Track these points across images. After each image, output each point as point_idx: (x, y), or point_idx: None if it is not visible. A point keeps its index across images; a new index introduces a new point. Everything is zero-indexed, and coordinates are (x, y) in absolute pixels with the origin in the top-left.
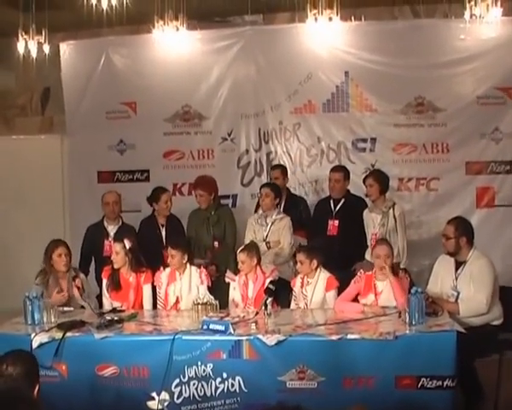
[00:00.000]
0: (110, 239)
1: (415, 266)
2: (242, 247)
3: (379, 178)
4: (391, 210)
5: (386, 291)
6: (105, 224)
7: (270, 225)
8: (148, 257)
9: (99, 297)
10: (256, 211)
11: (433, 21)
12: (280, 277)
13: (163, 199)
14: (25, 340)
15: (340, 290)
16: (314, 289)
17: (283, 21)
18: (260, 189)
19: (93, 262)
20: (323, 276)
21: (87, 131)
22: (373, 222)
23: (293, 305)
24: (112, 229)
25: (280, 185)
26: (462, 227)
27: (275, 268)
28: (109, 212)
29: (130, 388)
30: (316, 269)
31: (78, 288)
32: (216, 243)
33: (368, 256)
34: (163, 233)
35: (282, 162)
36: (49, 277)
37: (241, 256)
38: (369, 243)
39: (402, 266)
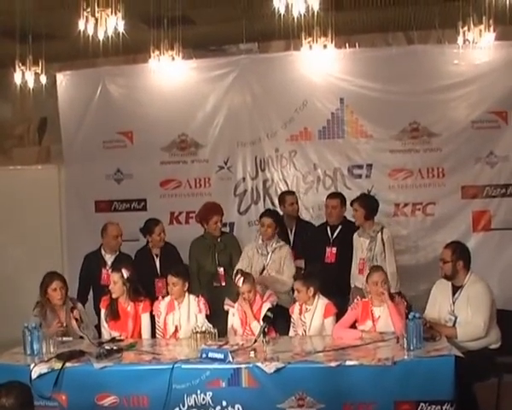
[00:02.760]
0: (108, 268)
1: (412, 291)
2: (242, 278)
3: (364, 203)
4: (379, 234)
5: (384, 317)
6: (102, 252)
7: (270, 253)
8: (143, 287)
9: (97, 326)
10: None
11: (426, 47)
12: (279, 304)
13: (156, 231)
14: (24, 370)
15: (337, 317)
16: (312, 315)
17: (278, 49)
18: (260, 218)
19: (91, 291)
20: (322, 302)
21: (84, 161)
22: (361, 247)
23: (291, 332)
24: (109, 258)
25: (294, 211)
26: (459, 251)
27: (272, 293)
28: (112, 245)
29: None
30: (313, 296)
31: (76, 320)
32: (221, 270)
33: (357, 283)
34: (157, 264)
35: (278, 190)
36: (46, 309)
37: (244, 288)
38: (355, 268)
39: (393, 291)
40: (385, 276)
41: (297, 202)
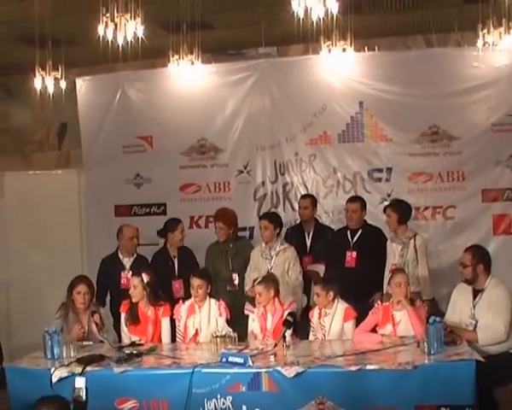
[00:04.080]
0: (126, 272)
1: (433, 295)
2: (260, 279)
3: (397, 209)
4: (411, 241)
5: (404, 321)
6: (120, 256)
7: (274, 257)
8: (160, 289)
9: (115, 328)
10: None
11: (446, 50)
12: None
13: (178, 229)
14: (44, 375)
15: (358, 322)
16: (332, 319)
17: (297, 53)
18: (259, 220)
19: (109, 294)
20: (341, 307)
21: (104, 166)
22: (393, 252)
23: (311, 336)
24: (127, 261)
25: (308, 215)
26: (479, 255)
27: (293, 300)
28: (128, 247)
29: None
30: (333, 300)
31: (97, 324)
32: (235, 276)
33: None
34: (175, 265)
35: (298, 194)
36: (68, 311)
37: (258, 288)
38: (388, 274)
39: (425, 298)
40: (407, 278)
41: (313, 206)
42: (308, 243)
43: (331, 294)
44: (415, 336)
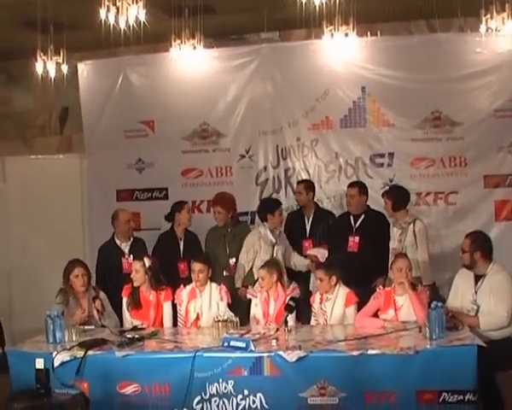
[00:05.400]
0: (126, 256)
1: (435, 280)
2: (263, 263)
3: (390, 196)
4: (411, 226)
5: (406, 306)
6: (117, 241)
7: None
8: (165, 269)
9: (116, 313)
10: None
11: (448, 35)
12: None
13: (185, 208)
14: (46, 358)
15: (360, 307)
16: (333, 304)
17: (299, 38)
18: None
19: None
20: (342, 291)
21: (106, 150)
22: (394, 237)
23: (312, 321)
24: (125, 246)
25: (304, 201)
26: (478, 241)
27: (296, 286)
28: (125, 231)
29: (152, 405)
30: (335, 285)
31: (98, 310)
32: (232, 261)
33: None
34: (181, 246)
35: (299, 178)
36: (68, 296)
37: (261, 273)
38: (391, 258)
39: (425, 283)
40: (409, 263)
41: (308, 191)
42: (308, 227)
43: (334, 279)
44: (416, 320)
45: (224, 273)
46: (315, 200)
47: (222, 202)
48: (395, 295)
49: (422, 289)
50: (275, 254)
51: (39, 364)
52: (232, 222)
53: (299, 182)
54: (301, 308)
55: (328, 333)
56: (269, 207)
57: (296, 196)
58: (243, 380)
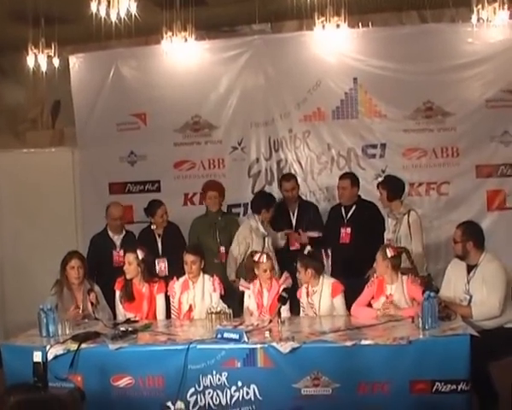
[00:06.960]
0: (118, 250)
1: (428, 271)
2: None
3: (385, 186)
4: (405, 217)
5: (398, 294)
6: (110, 234)
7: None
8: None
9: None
10: None
11: (440, 26)
12: None
13: (158, 213)
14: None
15: (352, 298)
16: (320, 296)
17: (291, 29)
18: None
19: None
20: (327, 282)
21: (98, 143)
22: (388, 227)
23: (302, 315)
24: (117, 239)
25: (294, 196)
26: (469, 231)
27: (288, 276)
28: (116, 226)
29: (146, 398)
30: (317, 277)
31: (92, 303)
32: (222, 249)
33: None
34: (159, 244)
35: (292, 170)
36: (63, 287)
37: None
38: None
39: (421, 274)
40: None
41: (296, 186)
42: (293, 221)
43: (309, 271)
44: (415, 299)
45: (215, 261)
46: (308, 191)
47: (214, 186)
48: (386, 284)
49: (414, 278)
50: (266, 246)
51: (37, 357)
52: (221, 211)
53: (284, 179)
54: (293, 299)
55: (320, 324)
56: (265, 203)
57: (283, 193)
58: (237, 372)
